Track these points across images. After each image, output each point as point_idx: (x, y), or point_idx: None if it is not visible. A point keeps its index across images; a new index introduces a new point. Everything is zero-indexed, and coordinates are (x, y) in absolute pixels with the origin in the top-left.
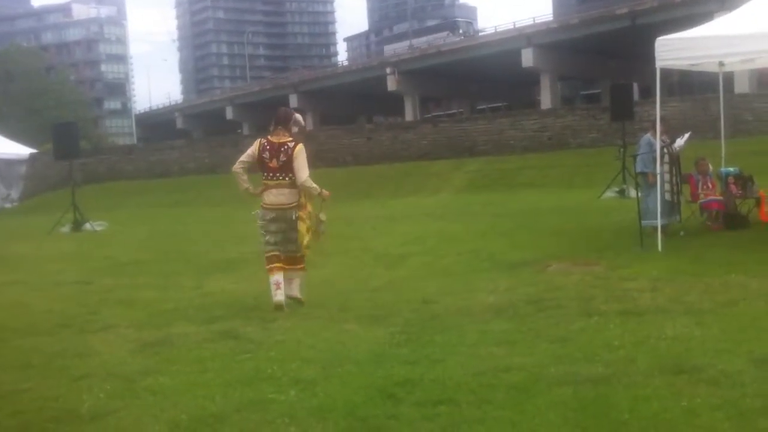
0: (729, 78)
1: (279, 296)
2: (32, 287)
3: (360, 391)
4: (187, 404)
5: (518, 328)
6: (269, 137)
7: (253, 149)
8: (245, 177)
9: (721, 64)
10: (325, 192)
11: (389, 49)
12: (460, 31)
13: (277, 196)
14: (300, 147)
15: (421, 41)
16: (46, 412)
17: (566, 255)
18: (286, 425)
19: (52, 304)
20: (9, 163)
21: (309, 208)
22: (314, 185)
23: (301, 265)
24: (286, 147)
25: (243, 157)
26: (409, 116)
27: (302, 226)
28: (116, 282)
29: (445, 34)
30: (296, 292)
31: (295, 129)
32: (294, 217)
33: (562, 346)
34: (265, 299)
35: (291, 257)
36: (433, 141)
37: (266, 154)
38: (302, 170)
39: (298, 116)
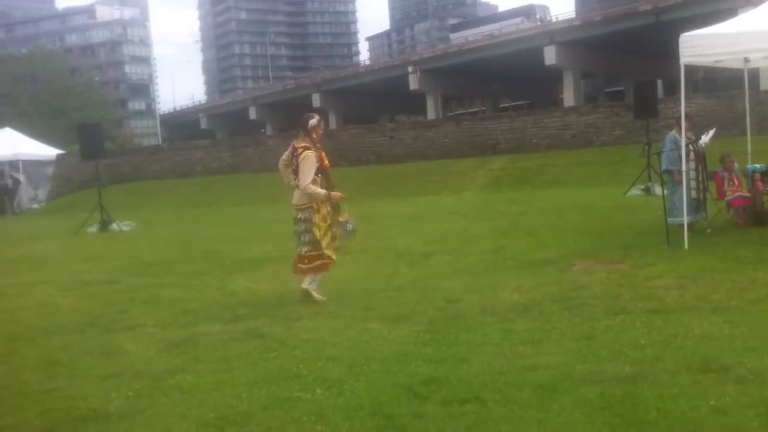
0: (754, 74)
1: (302, 284)
2: (59, 287)
3: (386, 390)
4: (214, 402)
5: (543, 326)
6: (295, 141)
7: (287, 151)
8: (287, 171)
9: (746, 60)
10: (335, 194)
11: (458, 37)
12: (537, 17)
13: (294, 197)
14: (305, 153)
15: (492, 27)
16: (74, 411)
17: (591, 253)
18: (312, 423)
19: (79, 304)
20: (37, 164)
21: (323, 211)
22: (317, 191)
23: (310, 265)
24: (297, 152)
25: (283, 156)
26: (431, 115)
27: (314, 228)
28: (142, 281)
29: (519, 20)
30: (305, 284)
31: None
32: (303, 217)
33: (588, 345)
34: (289, 298)
35: (301, 256)
36: (455, 139)
37: (290, 158)
38: (303, 175)
39: (311, 120)
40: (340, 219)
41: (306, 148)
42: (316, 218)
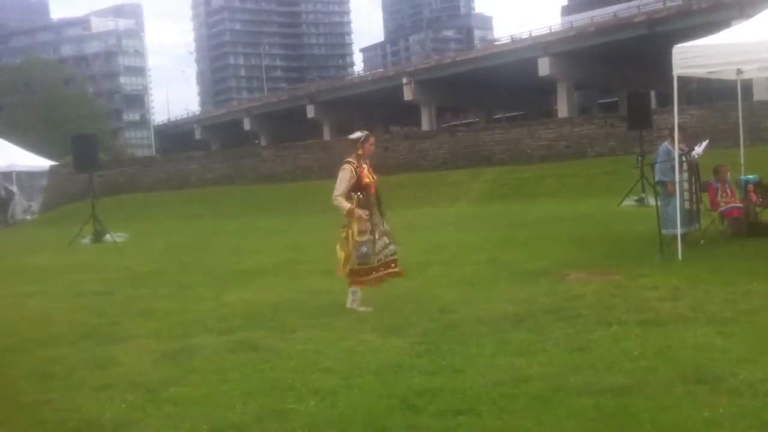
0: (747, 85)
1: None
2: (53, 298)
3: (380, 402)
4: (207, 414)
5: (537, 337)
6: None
7: None
8: None
9: (739, 71)
10: (358, 211)
11: (566, 21)
12: None
13: None
14: (342, 167)
15: (617, 8)
16: (68, 423)
17: (585, 264)
18: None
19: (73, 315)
20: (30, 176)
21: (353, 228)
22: (342, 204)
23: (350, 280)
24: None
25: None
26: (425, 126)
27: (338, 247)
28: (136, 293)
29: None
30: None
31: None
32: (344, 233)
33: (582, 356)
34: (284, 309)
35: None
36: (450, 150)
37: None
38: (336, 188)
39: (370, 137)
40: (358, 239)
41: (346, 162)
42: (347, 233)
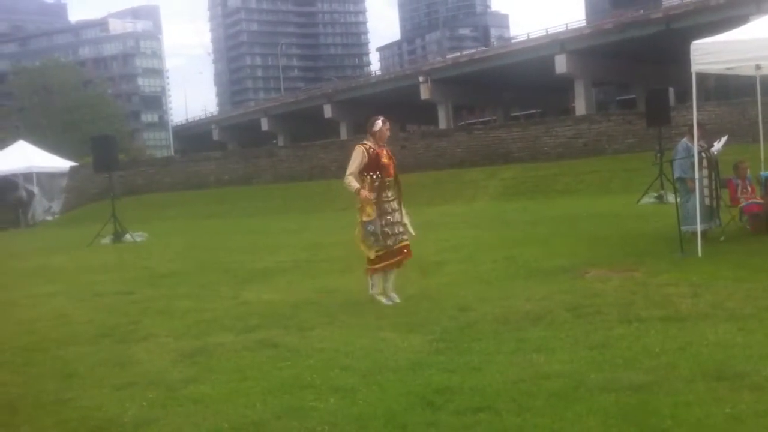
0: (766, 81)
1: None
2: (73, 298)
3: (399, 399)
4: (227, 412)
5: (556, 335)
6: None
7: None
8: None
9: (758, 67)
10: (363, 192)
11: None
12: None
13: None
14: (355, 147)
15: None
16: (89, 422)
17: (604, 261)
18: None
19: (93, 315)
20: (50, 177)
21: (368, 210)
22: (351, 184)
23: (367, 267)
24: None
25: None
26: (442, 124)
27: (357, 227)
28: (156, 292)
29: None
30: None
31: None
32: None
33: (602, 353)
34: (302, 308)
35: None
36: (467, 149)
37: None
38: (348, 168)
39: (376, 121)
40: (364, 218)
41: (360, 144)
42: (362, 217)
